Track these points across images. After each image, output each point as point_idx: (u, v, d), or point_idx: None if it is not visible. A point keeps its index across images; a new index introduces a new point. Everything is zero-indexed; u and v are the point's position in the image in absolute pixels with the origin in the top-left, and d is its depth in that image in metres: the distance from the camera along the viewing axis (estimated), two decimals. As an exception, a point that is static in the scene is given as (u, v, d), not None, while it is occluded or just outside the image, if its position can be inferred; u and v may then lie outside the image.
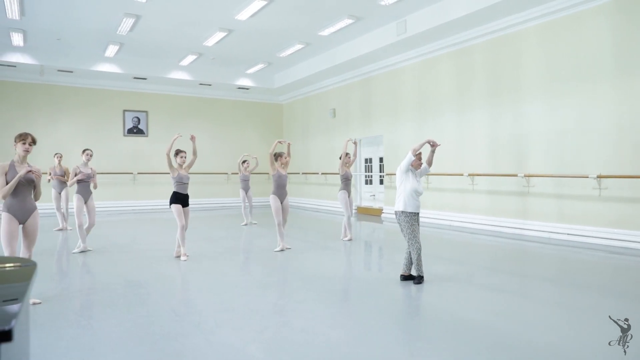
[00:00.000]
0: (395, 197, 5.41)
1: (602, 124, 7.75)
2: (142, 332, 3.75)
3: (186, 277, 5.75)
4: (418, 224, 5.39)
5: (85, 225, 7.41)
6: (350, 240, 8.52)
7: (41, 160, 12.66)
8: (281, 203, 7.47)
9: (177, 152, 6.91)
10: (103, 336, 3.65)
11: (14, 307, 1.22)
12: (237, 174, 11.27)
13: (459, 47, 10.32)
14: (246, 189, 11.20)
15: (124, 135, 15.28)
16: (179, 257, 6.89)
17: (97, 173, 9.22)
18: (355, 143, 8.85)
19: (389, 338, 3.59)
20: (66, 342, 3.54)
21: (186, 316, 4.17)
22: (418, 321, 3.94)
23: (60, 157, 10.28)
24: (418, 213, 5.39)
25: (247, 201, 11.25)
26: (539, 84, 8.71)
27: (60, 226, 10.27)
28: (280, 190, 7.48)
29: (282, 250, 7.48)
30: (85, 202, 7.43)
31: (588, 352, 3.28)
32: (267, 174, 13.71)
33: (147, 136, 15.60)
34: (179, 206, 6.79)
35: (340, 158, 8.62)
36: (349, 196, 8.57)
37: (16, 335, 1.09)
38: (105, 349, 3.38)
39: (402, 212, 5.31)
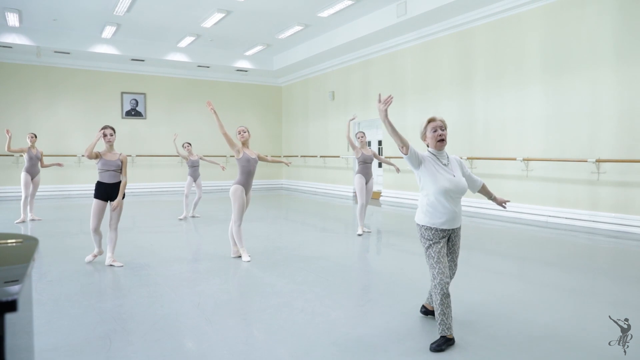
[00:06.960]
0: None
1: (602, 108, 7.72)
2: (144, 312, 3.79)
3: (186, 259, 5.79)
4: (455, 246, 3.35)
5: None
6: (362, 234, 7.37)
7: (39, 144, 12.61)
8: (246, 194, 5.65)
9: (103, 129, 5.31)
10: (105, 316, 3.69)
11: (14, 288, 1.24)
12: (186, 159, 9.38)
13: (460, 30, 10.21)
14: (195, 176, 9.34)
15: (122, 118, 15.20)
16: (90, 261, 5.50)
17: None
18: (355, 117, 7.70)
19: (388, 318, 3.64)
20: (69, 322, 3.58)
21: (186, 297, 4.21)
22: (418, 302, 3.98)
23: (34, 138, 8.66)
24: (454, 229, 3.30)
25: (193, 188, 9.46)
26: (540, 67, 8.63)
27: (22, 217, 8.63)
28: (248, 179, 5.58)
29: (238, 256, 5.81)
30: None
31: (583, 330, 3.33)
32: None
33: (145, 118, 15.53)
34: (99, 202, 5.28)
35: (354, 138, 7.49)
36: (366, 182, 7.26)
37: (20, 309, 1.12)
38: (107, 329, 3.43)
39: (423, 226, 3.25)
